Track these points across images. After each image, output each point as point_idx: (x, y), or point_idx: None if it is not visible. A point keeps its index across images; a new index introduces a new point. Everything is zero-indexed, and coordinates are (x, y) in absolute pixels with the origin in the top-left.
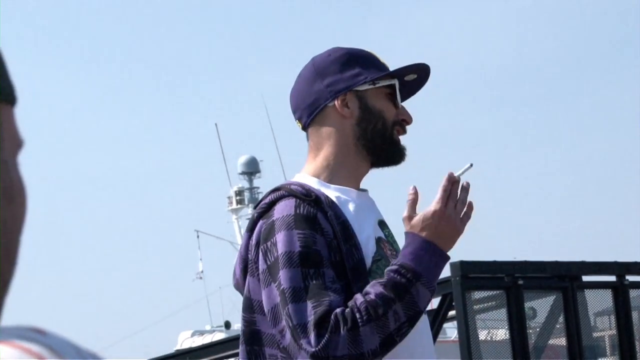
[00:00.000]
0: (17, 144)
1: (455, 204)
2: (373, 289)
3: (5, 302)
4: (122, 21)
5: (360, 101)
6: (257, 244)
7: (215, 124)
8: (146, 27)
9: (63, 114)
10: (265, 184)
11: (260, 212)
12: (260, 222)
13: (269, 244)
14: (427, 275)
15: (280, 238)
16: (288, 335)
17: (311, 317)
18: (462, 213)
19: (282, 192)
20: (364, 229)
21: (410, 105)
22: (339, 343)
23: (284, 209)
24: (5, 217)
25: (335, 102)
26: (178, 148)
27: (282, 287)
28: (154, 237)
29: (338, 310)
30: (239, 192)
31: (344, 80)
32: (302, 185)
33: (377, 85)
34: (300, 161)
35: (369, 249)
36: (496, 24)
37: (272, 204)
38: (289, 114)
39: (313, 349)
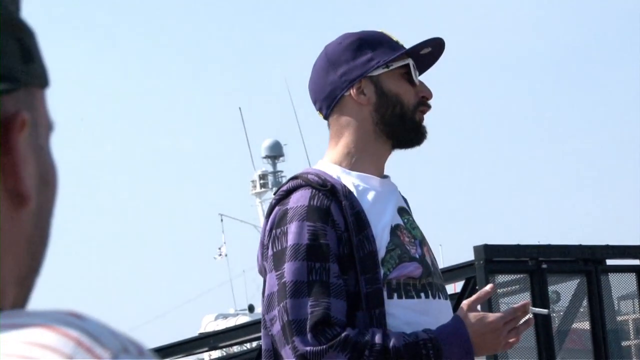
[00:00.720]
0: (49, 127)
1: (510, 329)
2: (396, 339)
3: (36, 283)
4: (151, 6)
5: (376, 86)
6: (270, 230)
7: (239, 108)
8: (173, 13)
9: (92, 98)
10: (289, 167)
11: (277, 198)
12: (277, 208)
13: (279, 231)
14: None
15: (291, 229)
16: (277, 326)
17: (308, 317)
18: (509, 340)
19: (299, 182)
20: (381, 218)
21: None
22: None
23: (298, 199)
24: (42, 201)
25: (351, 91)
26: (202, 132)
27: (284, 279)
28: (179, 221)
29: (352, 333)
30: (263, 176)
31: (356, 67)
32: (319, 175)
33: (391, 68)
34: (324, 145)
35: (383, 240)
36: (513, 12)
37: (289, 192)
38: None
39: (305, 349)
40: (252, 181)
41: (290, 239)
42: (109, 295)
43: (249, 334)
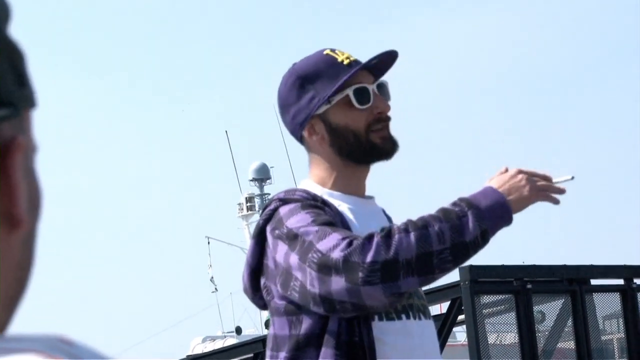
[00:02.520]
0: (35, 149)
1: (538, 179)
2: (419, 216)
3: (20, 305)
4: (132, 28)
5: (325, 123)
6: (274, 244)
7: (226, 131)
8: (156, 34)
9: (72, 120)
10: (275, 190)
11: (265, 218)
12: (268, 227)
13: (276, 234)
14: (481, 211)
15: (290, 221)
16: (313, 274)
17: (340, 241)
18: (541, 184)
19: (287, 201)
20: None
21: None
22: (371, 249)
23: (289, 208)
24: (31, 224)
25: (304, 133)
26: (189, 155)
27: (302, 238)
28: (165, 243)
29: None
30: (250, 199)
31: (302, 109)
32: (307, 192)
33: (332, 103)
34: None
35: None
36: (500, 29)
37: (276, 209)
38: None
39: (341, 253)
40: (239, 204)
41: (294, 223)
42: (96, 318)
43: (236, 356)
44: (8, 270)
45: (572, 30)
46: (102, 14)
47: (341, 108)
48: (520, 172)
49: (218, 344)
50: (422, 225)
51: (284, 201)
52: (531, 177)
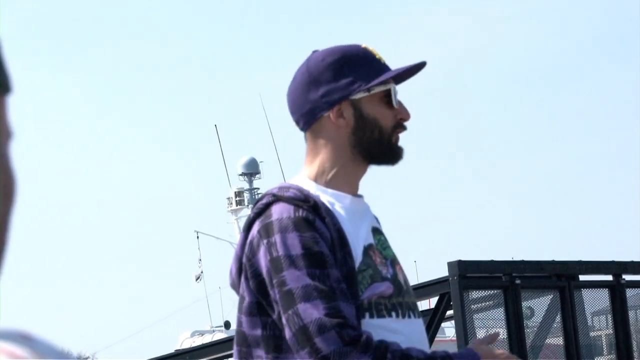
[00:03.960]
0: (10, 135)
1: None
2: (415, 351)
3: None
4: (121, 23)
5: (355, 110)
6: (251, 243)
7: (215, 125)
8: (144, 29)
9: (61, 115)
10: (265, 184)
11: (257, 212)
12: (258, 221)
13: (265, 242)
14: None
15: (279, 239)
16: (289, 333)
17: (324, 318)
18: None
19: (279, 198)
20: (356, 237)
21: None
22: None
23: (282, 211)
24: (2, 212)
25: (331, 113)
26: (178, 149)
27: (287, 286)
28: (155, 237)
29: (370, 334)
30: (239, 193)
31: (338, 89)
32: (300, 190)
33: (372, 92)
34: (299, 161)
35: (356, 260)
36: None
37: (269, 205)
38: (288, 115)
39: (330, 349)
40: (228, 198)
41: (282, 249)
42: (84, 313)
43: (225, 350)
44: None
45: (570, 28)
46: (93, 8)
47: (376, 101)
48: (508, 358)
49: (207, 339)
50: None
51: (276, 197)
52: None
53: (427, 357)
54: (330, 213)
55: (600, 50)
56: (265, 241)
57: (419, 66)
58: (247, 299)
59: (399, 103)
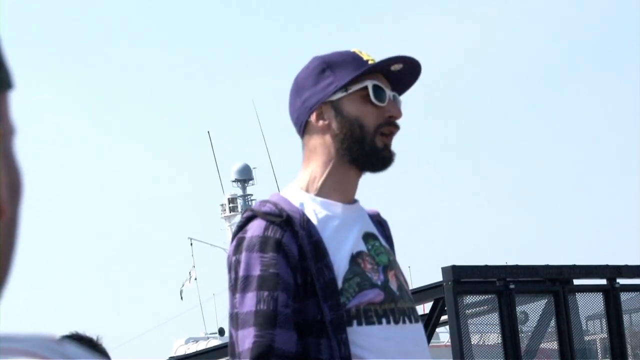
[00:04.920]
0: (13, 132)
1: None
2: None
3: (2, 295)
4: (114, 29)
5: (336, 111)
6: (230, 258)
7: (208, 132)
8: (137, 35)
9: (55, 122)
10: (258, 191)
11: (239, 226)
12: (237, 236)
13: (234, 259)
14: None
15: (243, 258)
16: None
17: (251, 347)
18: None
19: (256, 213)
20: (341, 247)
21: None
22: None
23: (255, 229)
24: (11, 211)
25: (311, 117)
26: (171, 156)
27: (235, 309)
28: (148, 244)
29: None
30: (232, 200)
31: (316, 93)
32: (277, 204)
33: (350, 91)
34: (293, 167)
35: (340, 269)
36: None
37: (248, 220)
38: (281, 121)
39: None
40: (222, 205)
41: (242, 269)
42: (77, 320)
43: (219, 357)
44: None
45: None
46: (83, 13)
47: (357, 100)
48: None
49: (201, 345)
50: None
51: (254, 213)
52: None
53: None
54: (308, 225)
55: (597, 52)
56: (234, 258)
57: (410, 63)
58: (230, 311)
59: (390, 101)
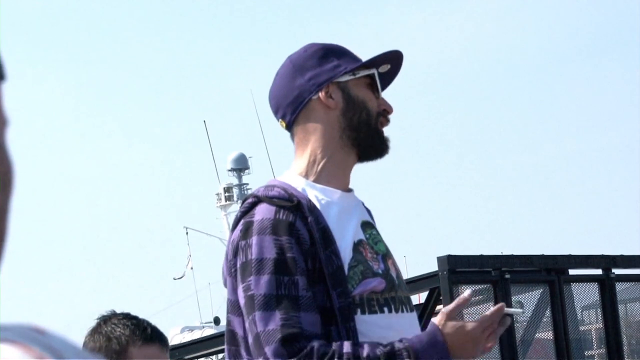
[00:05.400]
0: (5, 123)
1: (489, 334)
2: (369, 348)
3: None
4: (111, 20)
5: (343, 92)
6: (235, 243)
7: (204, 121)
8: (134, 26)
9: (52, 112)
10: (254, 180)
11: (243, 211)
12: (242, 221)
13: (244, 243)
14: None
15: (256, 242)
16: (250, 339)
17: (278, 329)
18: (487, 345)
19: (263, 198)
20: (344, 234)
21: (397, 101)
22: None
23: (264, 212)
24: (1, 202)
25: (320, 94)
26: (167, 145)
27: (251, 291)
28: (143, 233)
29: (318, 344)
30: (228, 189)
31: (324, 72)
32: (285, 189)
33: (357, 76)
34: (289, 156)
35: (345, 257)
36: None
37: (254, 205)
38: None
39: None
40: (217, 194)
41: (256, 252)
42: (72, 309)
43: (215, 346)
44: None
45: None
46: (78, 6)
47: (362, 85)
48: (480, 334)
49: (196, 334)
50: None
51: (260, 198)
52: (487, 331)
53: (384, 354)
54: (315, 212)
55: (592, 46)
56: (243, 242)
57: (396, 54)
58: (231, 298)
59: (381, 97)
